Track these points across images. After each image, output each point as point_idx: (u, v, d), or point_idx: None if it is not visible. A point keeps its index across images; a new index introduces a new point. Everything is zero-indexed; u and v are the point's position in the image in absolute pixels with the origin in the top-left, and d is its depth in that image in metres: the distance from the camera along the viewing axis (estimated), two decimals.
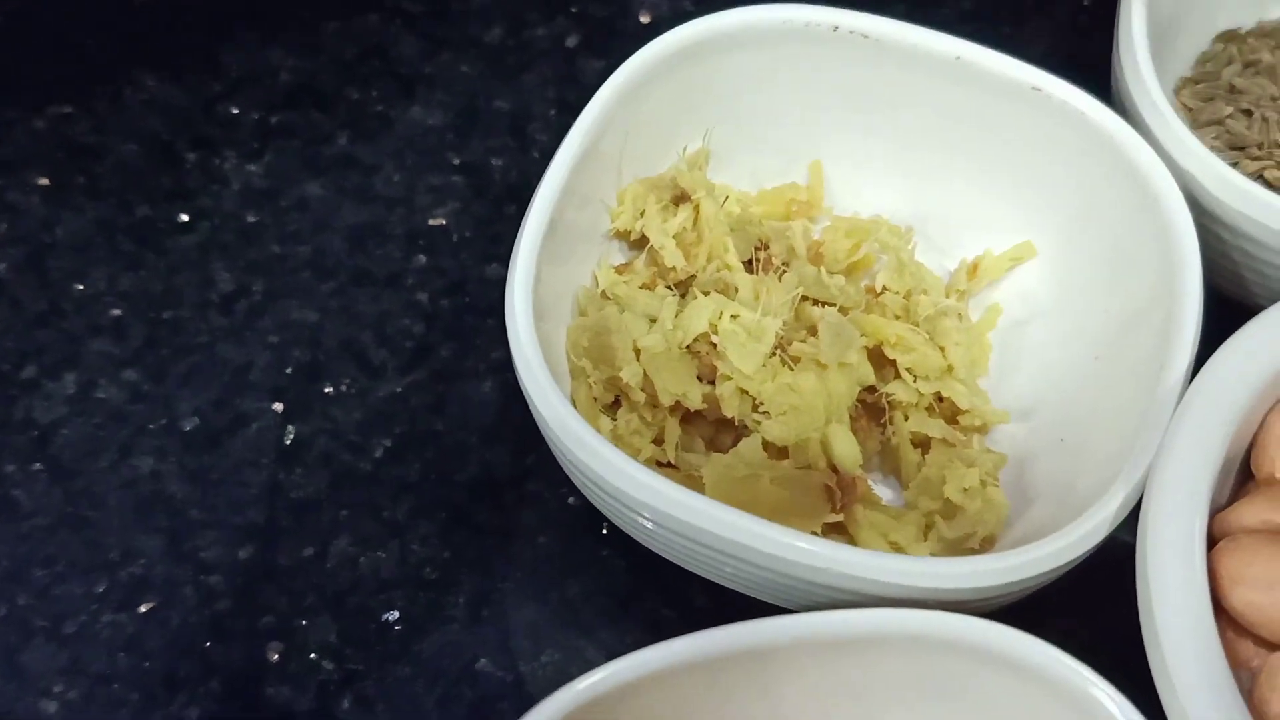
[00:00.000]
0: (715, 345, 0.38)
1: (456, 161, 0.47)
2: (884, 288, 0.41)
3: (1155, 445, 0.34)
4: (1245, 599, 0.31)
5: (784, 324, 0.39)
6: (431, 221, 0.46)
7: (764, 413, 0.37)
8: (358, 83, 0.49)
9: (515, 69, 0.50)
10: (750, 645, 0.33)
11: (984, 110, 0.41)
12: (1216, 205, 0.39)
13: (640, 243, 0.41)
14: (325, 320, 0.44)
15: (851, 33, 0.41)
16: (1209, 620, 0.30)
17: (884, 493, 0.40)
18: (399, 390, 0.43)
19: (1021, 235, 0.42)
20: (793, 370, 0.38)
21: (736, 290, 0.39)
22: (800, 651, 0.33)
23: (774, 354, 0.38)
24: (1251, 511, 0.33)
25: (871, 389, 0.39)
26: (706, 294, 0.39)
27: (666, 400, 0.37)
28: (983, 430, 0.40)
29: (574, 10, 0.51)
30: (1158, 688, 0.30)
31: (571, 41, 0.50)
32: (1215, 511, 0.34)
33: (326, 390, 0.43)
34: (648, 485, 0.33)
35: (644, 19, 0.51)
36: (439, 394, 0.43)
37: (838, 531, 0.38)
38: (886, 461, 0.40)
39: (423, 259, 0.45)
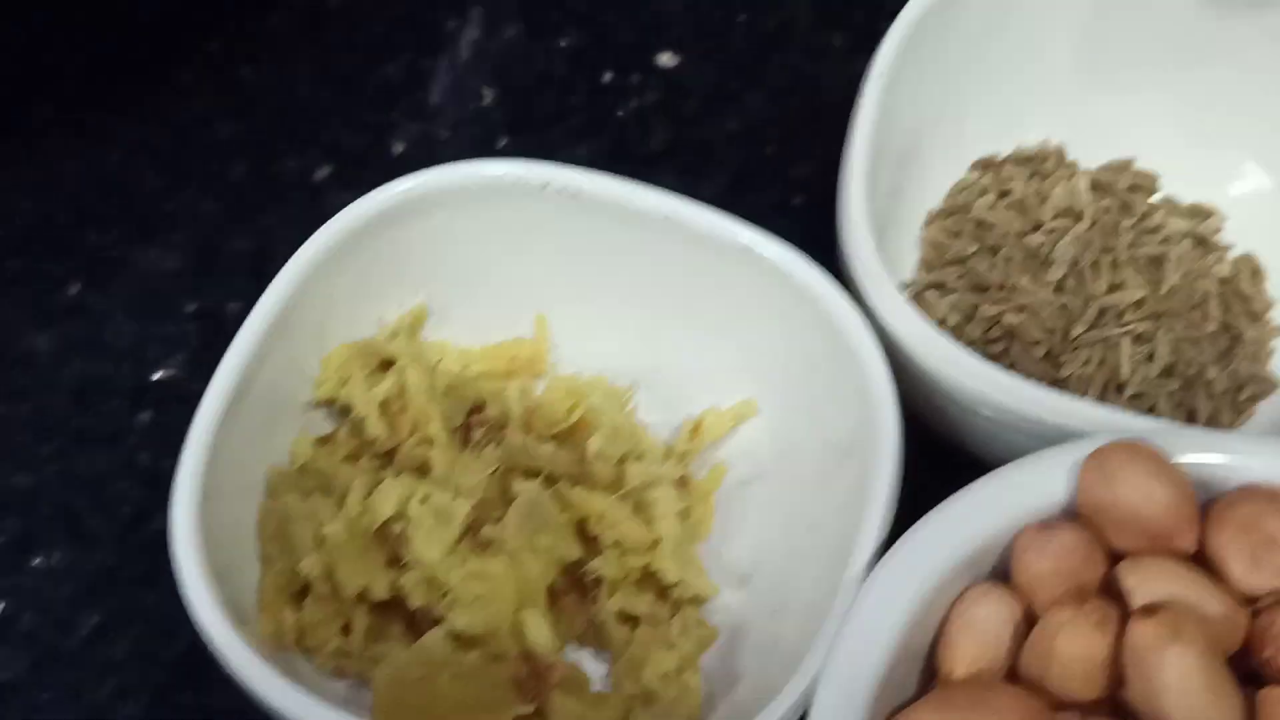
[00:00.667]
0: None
1: (191, 308, 0.46)
2: (598, 454, 0.39)
3: (831, 635, 0.32)
4: None
5: (481, 502, 0.37)
6: (160, 374, 0.45)
7: (452, 601, 0.36)
8: (96, 223, 0.48)
9: (258, 205, 0.48)
10: None
11: (701, 266, 0.40)
12: (924, 366, 0.38)
13: (349, 411, 0.40)
14: (41, 485, 0.43)
15: (561, 191, 0.40)
16: None
17: (599, 668, 0.39)
18: (112, 562, 0.41)
19: (746, 391, 0.41)
20: (481, 555, 0.36)
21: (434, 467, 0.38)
22: None
23: (464, 538, 0.37)
24: (920, 715, 0.31)
25: (581, 562, 0.38)
26: (403, 471, 0.38)
27: (349, 592, 0.36)
28: (696, 602, 0.39)
29: (325, 140, 0.49)
30: None
31: (320, 174, 0.49)
32: (899, 708, 0.32)
33: (36, 562, 0.41)
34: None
35: (396, 149, 0.49)
36: (153, 564, 0.41)
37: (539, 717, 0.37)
38: (599, 638, 0.39)
39: (147, 416, 0.44)
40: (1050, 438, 0.37)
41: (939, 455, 0.38)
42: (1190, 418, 0.42)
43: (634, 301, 0.41)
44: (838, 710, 0.31)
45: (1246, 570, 0.32)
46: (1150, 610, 0.30)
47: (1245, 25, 0.44)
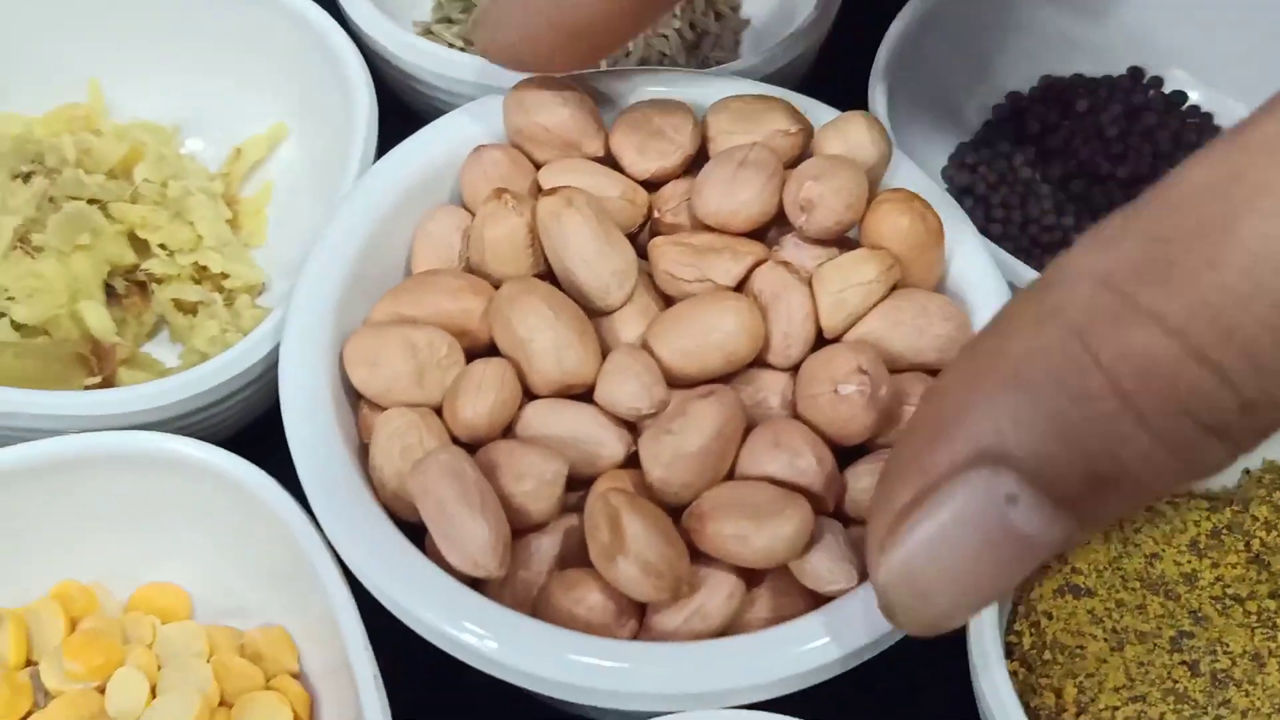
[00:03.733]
0: None
1: None
2: (144, 179, 0.46)
3: None
4: (359, 378, 0.37)
5: (29, 219, 0.43)
6: None
7: (11, 299, 0.42)
8: None
9: None
10: None
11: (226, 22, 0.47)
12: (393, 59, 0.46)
13: None
14: None
15: None
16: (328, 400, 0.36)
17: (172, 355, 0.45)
18: None
19: (277, 118, 0.48)
20: (34, 258, 0.43)
21: None
22: None
23: (16, 247, 0.43)
24: (381, 304, 0.38)
25: (137, 266, 0.45)
26: None
27: None
28: (253, 291, 0.46)
29: None
30: None
31: None
32: None
33: None
34: None
35: None
36: None
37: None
38: (171, 330, 0.45)
39: None
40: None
41: None
42: None
43: (171, 53, 0.48)
44: (309, 307, 0.38)
45: (636, 159, 0.40)
46: (551, 191, 0.38)
47: None
